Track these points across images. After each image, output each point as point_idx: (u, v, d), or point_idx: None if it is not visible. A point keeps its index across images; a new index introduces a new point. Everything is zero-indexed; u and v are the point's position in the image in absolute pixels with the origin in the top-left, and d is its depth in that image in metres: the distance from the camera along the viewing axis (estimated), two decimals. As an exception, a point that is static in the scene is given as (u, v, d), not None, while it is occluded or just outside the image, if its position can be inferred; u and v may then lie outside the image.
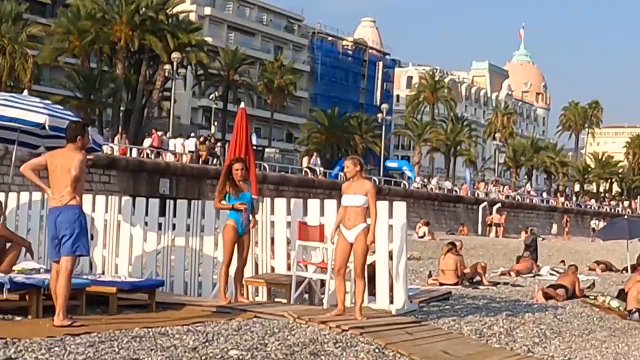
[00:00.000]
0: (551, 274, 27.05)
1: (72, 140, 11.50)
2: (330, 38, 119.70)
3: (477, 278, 22.76)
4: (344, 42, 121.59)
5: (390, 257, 14.29)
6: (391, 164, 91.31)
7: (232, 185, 13.88)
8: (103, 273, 15.37)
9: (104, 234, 16.12)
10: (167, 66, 65.19)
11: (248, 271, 15.16)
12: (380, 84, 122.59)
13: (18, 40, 67.62)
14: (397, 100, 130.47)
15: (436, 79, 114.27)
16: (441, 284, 21.35)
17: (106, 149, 45.43)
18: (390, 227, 14.32)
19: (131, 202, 16.20)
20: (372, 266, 14.33)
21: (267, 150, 65.05)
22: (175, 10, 75.25)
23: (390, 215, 14.29)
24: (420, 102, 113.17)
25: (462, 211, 74.90)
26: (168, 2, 73.97)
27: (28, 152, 18.27)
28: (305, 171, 60.67)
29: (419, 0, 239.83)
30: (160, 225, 15.93)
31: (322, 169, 62.52)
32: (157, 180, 47.09)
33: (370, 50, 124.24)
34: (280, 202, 15.39)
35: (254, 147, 64.05)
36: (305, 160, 63.55)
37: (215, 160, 52.09)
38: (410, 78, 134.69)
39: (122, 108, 73.22)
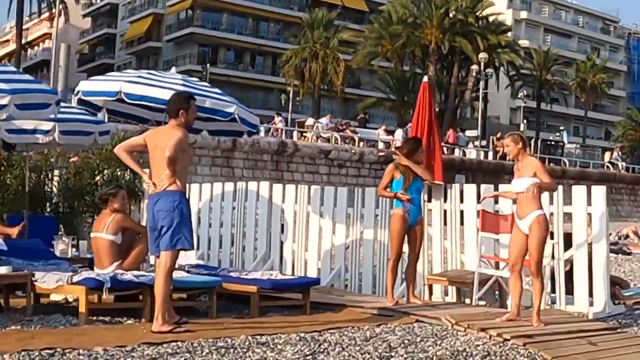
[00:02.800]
0: None
1: (174, 115, 9.09)
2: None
3: None
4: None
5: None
6: None
7: (401, 170, 11.05)
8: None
9: (294, 226, 13.74)
10: (474, 66, 62.14)
11: (437, 267, 12.35)
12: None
13: (330, 45, 66.95)
14: None
15: None
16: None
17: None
18: (589, 215, 11.13)
19: (319, 192, 13.68)
20: (571, 261, 11.18)
21: (567, 145, 60.62)
22: (485, 12, 72.10)
23: (589, 203, 11.08)
24: None
25: None
26: (478, 4, 70.97)
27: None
28: (607, 166, 56.01)
29: None
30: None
31: (624, 163, 57.70)
32: (452, 176, 44.30)
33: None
34: (470, 189, 12.32)
35: (558, 144, 61.45)
36: (607, 155, 58.77)
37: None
38: None
39: (435, 109, 70.94)
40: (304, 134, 43.35)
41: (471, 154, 49.42)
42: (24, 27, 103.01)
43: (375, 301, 11.42)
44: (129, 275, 9.81)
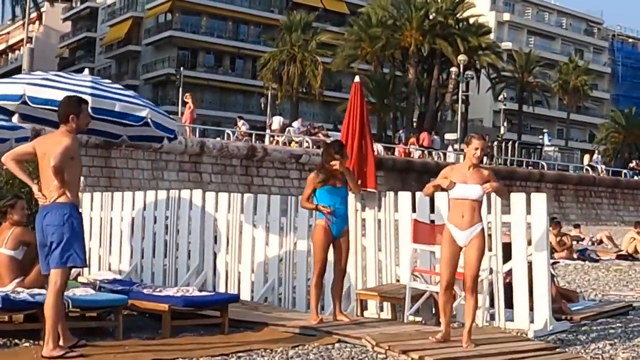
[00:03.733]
0: None
1: (64, 121, 8.30)
2: (630, 40, 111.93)
3: None
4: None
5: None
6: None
7: (323, 177, 10.25)
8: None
9: (227, 237, 12.95)
10: (454, 69, 61.39)
11: (372, 281, 11.57)
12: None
13: (308, 48, 66.15)
14: None
15: None
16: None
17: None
18: (529, 225, 10.40)
19: (252, 200, 12.88)
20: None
21: (546, 148, 59.92)
22: (466, 14, 71.44)
23: (529, 211, 10.37)
24: None
25: None
26: (458, 6, 70.32)
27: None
28: (587, 169, 55.27)
29: None
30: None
31: (603, 166, 57.01)
32: (427, 180, 43.47)
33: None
34: (405, 197, 11.49)
35: (536, 146, 60.86)
36: (586, 157, 57.99)
37: (489, 160, 48.18)
38: None
39: (415, 112, 70.31)
40: (276, 137, 42.51)
41: (449, 157, 48.75)
42: (5, 31, 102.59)
43: (302, 318, 10.63)
44: (24, 294, 9.01)
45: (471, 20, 71.64)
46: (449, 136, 57.75)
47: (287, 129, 42.63)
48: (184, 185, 32.96)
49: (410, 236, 10.80)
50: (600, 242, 32.42)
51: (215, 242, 13.20)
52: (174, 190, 14.01)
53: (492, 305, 10.73)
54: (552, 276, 15.34)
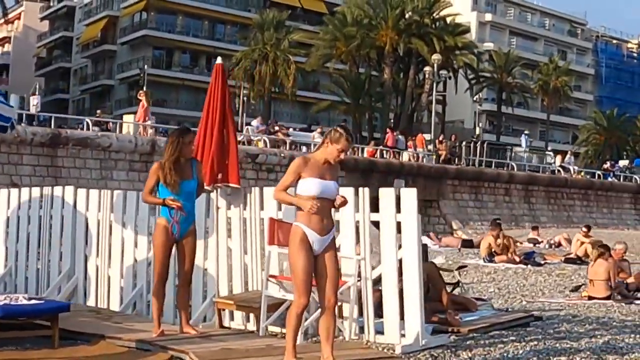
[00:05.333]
0: None
1: None
2: (614, 41, 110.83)
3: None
4: (629, 45, 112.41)
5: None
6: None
7: (170, 170, 9.11)
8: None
9: (97, 238, 11.83)
10: (428, 68, 60.17)
11: (237, 287, 10.46)
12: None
13: (281, 47, 64.98)
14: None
15: None
16: (590, 298, 15.56)
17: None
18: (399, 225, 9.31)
19: (122, 198, 11.74)
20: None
21: (516, 148, 58.76)
22: (443, 13, 70.37)
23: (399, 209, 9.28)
24: None
25: None
26: (435, 5, 69.24)
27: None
28: (558, 170, 54.12)
29: None
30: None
31: (576, 167, 55.87)
32: (391, 181, 42.35)
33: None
34: (270, 193, 10.24)
35: (506, 147, 59.56)
36: (557, 158, 56.79)
37: (456, 160, 47.09)
38: None
39: (392, 112, 69.21)
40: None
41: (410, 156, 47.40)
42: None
43: (146, 330, 9.49)
44: None
45: (448, 20, 70.54)
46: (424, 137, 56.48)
47: (245, 127, 41.45)
48: (133, 185, 31.87)
49: (267, 237, 9.63)
50: (559, 244, 31.46)
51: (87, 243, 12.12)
52: (47, 187, 12.87)
53: (361, 314, 9.60)
54: (457, 283, 14.30)
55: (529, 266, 21.57)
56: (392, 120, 68.10)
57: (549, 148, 79.90)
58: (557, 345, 9.87)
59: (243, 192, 10.54)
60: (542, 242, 31.78)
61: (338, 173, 7.94)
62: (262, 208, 10.34)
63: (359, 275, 9.44)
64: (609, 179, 57.03)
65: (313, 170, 7.73)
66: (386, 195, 9.45)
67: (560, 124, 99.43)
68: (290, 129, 44.19)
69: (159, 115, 73.30)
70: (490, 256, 21.90)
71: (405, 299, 9.25)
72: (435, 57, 57.44)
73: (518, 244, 31.49)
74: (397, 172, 42.85)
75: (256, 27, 70.36)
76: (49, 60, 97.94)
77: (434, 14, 69.69)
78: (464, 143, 51.88)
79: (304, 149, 41.24)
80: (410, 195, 9.30)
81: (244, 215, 10.47)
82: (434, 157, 47.37)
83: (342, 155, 7.83)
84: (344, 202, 7.78)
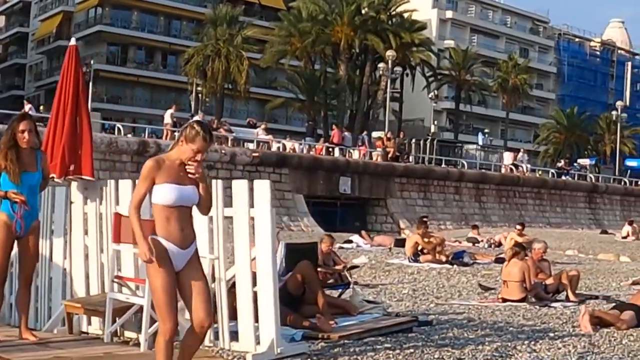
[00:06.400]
0: None
1: None
2: (577, 39, 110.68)
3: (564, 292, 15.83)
4: (591, 43, 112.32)
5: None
6: (630, 163, 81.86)
7: (10, 159, 8.33)
8: None
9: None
10: (382, 64, 59.49)
11: (94, 288, 9.67)
12: (630, 85, 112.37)
13: (234, 43, 64.16)
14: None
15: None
16: (504, 300, 14.88)
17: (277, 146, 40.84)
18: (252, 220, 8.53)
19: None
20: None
21: (467, 146, 58.29)
22: (400, 9, 69.90)
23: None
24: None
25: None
26: (391, 1, 68.68)
27: None
28: (511, 168, 53.60)
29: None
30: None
31: (529, 166, 55.38)
32: (336, 179, 41.75)
33: (618, 51, 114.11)
34: (125, 185, 9.44)
35: (456, 145, 59.03)
36: (508, 156, 56.26)
37: (405, 157, 46.49)
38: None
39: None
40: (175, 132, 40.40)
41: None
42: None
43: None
44: None
45: (406, 16, 70.03)
46: (376, 134, 55.89)
47: (171, 121, 40.64)
48: (68, 184, 30.95)
49: (111, 233, 8.86)
50: (499, 244, 30.87)
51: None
52: None
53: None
54: (347, 284, 13.58)
55: (455, 266, 20.89)
56: (347, 118, 67.65)
57: (509, 147, 79.71)
58: (436, 353, 9.14)
59: (98, 185, 9.77)
60: (482, 241, 31.20)
61: (205, 176, 6.91)
62: (117, 203, 9.54)
63: (213, 276, 8.69)
64: (563, 178, 56.64)
65: (168, 173, 6.57)
66: (239, 187, 8.66)
67: (522, 122, 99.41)
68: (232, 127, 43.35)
69: (114, 112, 72.61)
70: (416, 256, 21.24)
71: (259, 302, 8.51)
72: (389, 53, 56.98)
73: (457, 243, 31.07)
74: (343, 170, 42.23)
75: (209, 22, 69.50)
76: (4, 57, 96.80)
77: (391, 10, 69.16)
78: (413, 140, 51.26)
79: (251, 145, 40.59)
80: (263, 187, 8.53)
81: (100, 211, 9.69)
82: (381, 155, 46.67)
83: (199, 157, 6.67)
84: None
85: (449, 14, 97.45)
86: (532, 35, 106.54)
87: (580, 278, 16.79)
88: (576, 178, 58.70)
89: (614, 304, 13.25)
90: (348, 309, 10.82)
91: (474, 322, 11.83)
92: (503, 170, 53.50)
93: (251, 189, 8.59)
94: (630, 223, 41.26)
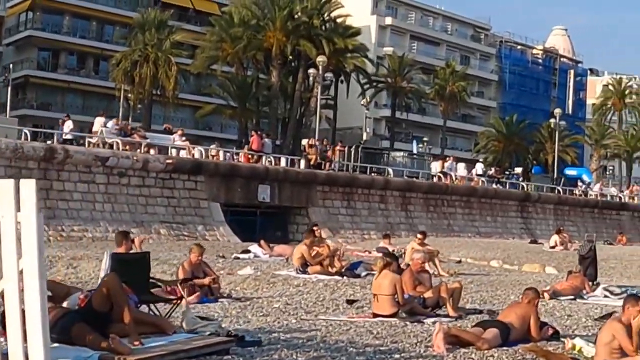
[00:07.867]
0: (607, 297, 18.89)
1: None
2: (519, 47, 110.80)
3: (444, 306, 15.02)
4: (534, 51, 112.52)
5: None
6: (570, 172, 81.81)
7: None
8: None
9: None
10: (312, 70, 58.67)
11: None
12: (573, 93, 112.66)
13: (162, 47, 63.05)
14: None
15: (623, 85, 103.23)
16: (375, 315, 14.06)
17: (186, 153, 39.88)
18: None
19: None
20: None
21: (393, 153, 57.62)
22: (334, 14, 69.22)
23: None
24: (608, 109, 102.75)
25: (627, 220, 64.91)
26: (325, 6, 67.96)
27: None
28: (439, 176, 52.92)
29: (617, 5, 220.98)
30: None
31: (458, 174, 54.70)
32: (255, 187, 40.83)
33: (561, 59, 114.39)
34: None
35: (382, 152, 58.06)
36: (436, 164, 55.58)
37: (327, 164, 45.64)
38: (606, 86, 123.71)
39: (279, 117, 67.69)
40: (92, 140, 39.29)
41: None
42: None
43: None
44: None
45: (339, 21, 69.35)
46: (305, 142, 55.00)
47: (100, 129, 39.45)
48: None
49: None
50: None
51: None
52: None
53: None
54: (217, 298, 12.65)
55: (345, 278, 20.04)
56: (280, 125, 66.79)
57: (447, 155, 79.22)
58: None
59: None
60: (392, 251, 30.42)
61: None
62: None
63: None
64: (494, 186, 56.10)
65: None
66: (5, 189, 7.70)
67: (462, 130, 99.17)
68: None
69: (44, 119, 71.14)
70: (304, 267, 20.39)
71: (27, 320, 7.58)
72: (320, 58, 56.04)
73: (367, 253, 30.26)
74: (262, 178, 41.34)
75: (137, 27, 68.30)
76: None
77: (324, 15, 68.38)
78: (337, 147, 50.44)
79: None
80: (28, 187, 7.58)
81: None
82: (303, 162, 45.80)
83: None
84: None
85: (388, 20, 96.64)
86: (473, 42, 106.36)
87: (463, 290, 16.05)
88: (507, 187, 58.16)
89: (476, 322, 12.45)
90: (163, 327, 9.96)
91: (313, 342, 11.00)
92: (435, 179, 52.90)
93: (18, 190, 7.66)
94: (559, 232, 40.63)
